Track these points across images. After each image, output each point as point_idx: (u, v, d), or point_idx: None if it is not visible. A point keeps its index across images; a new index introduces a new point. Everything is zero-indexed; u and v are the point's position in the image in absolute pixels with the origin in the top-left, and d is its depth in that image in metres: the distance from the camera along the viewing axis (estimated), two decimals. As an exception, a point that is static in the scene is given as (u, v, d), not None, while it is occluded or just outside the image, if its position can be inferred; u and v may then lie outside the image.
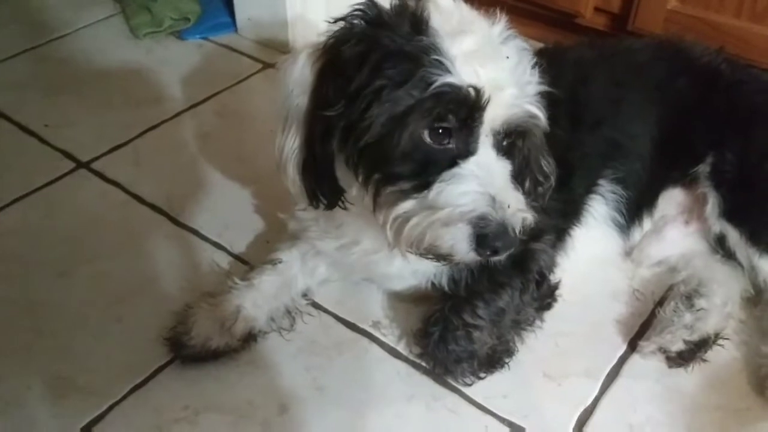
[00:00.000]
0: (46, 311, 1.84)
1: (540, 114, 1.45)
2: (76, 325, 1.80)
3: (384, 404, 1.67)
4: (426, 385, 1.71)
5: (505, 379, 1.71)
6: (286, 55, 1.60)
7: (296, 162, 1.52)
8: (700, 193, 1.86)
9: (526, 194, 1.53)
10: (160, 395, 1.66)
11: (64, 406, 1.63)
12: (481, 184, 1.37)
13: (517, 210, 1.39)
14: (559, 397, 1.69)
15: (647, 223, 1.95)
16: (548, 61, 1.72)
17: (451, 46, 1.36)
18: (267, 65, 2.81)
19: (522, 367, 1.74)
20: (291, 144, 1.52)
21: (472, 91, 1.33)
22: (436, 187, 1.37)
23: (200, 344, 1.70)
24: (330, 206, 1.56)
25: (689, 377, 1.74)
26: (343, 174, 1.51)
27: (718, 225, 1.84)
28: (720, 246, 1.89)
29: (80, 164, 2.31)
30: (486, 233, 1.35)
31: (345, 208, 1.57)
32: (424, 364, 1.74)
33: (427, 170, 1.38)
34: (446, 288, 1.72)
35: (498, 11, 1.49)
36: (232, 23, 3.01)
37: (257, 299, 1.77)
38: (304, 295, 1.87)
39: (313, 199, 1.55)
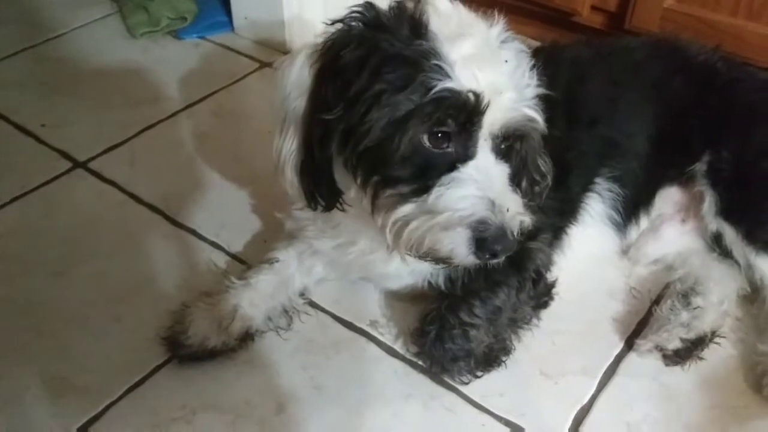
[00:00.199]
0: (43, 311, 1.84)
1: (538, 117, 1.45)
2: (73, 325, 1.80)
3: (381, 403, 1.67)
4: (423, 383, 1.71)
5: (502, 378, 1.71)
6: (284, 54, 1.60)
7: (294, 164, 1.52)
8: (696, 192, 1.86)
9: (523, 194, 1.54)
10: (157, 395, 1.66)
11: (62, 406, 1.63)
12: (480, 188, 1.37)
13: (515, 213, 1.39)
14: (556, 395, 1.69)
15: (644, 222, 1.96)
16: (545, 60, 1.72)
17: (450, 50, 1.36)
18: (264, 64, 2.81)
19: (519, 366, 1.74)
20: (289, 146, 1.51)
21: (471, 96, 1.34)
22: (436, 191, 1.37)
23: (197, 343, 1.70)
24: (328, 208, 1.56)
25: (686, 375, 1.74)
26: (341, 176, 1.51)
27: (714, 223, 1.84)
28: (716, 244, 1.89)
29: (77, 164, 2.31)
30: (485, 237, 1.36)
31: (343, 210, 1.57)
32: (421, 362, 1.74)
33: (426, 174, 1.38)
34: (443, 287, 1.72)
35: (496, 12, 1.49)
36: (229, 22, 3.02)
37: (254, 298, 1.77)
38: (302, 295, 1.87)
39: (312, 201, 1.55)
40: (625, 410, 1.67)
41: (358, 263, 1.75)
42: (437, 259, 1.44)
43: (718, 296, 1.83)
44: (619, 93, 1.90)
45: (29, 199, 2.18)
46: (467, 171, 1.38)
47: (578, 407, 1.67)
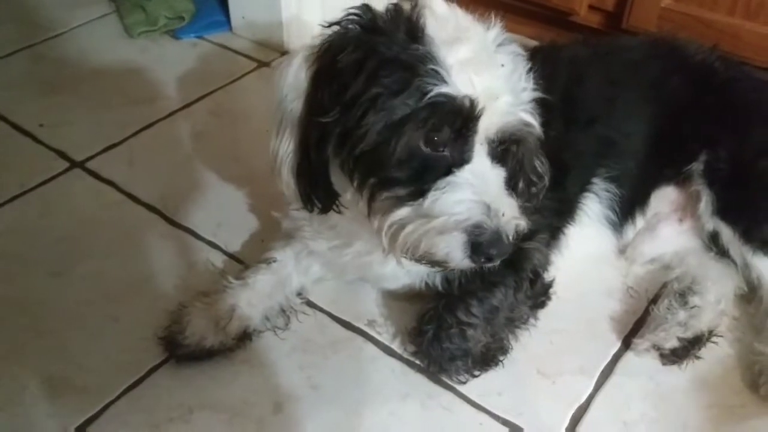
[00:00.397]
0: (41, 310, 1.84)
1: (534, 122, 1.45)
2: (71, 325, 1.80)
3: (379, 403, 1.67)
4: (421, 383, 1.71)
5: (500, 377, 1.71)
6: (282, 54, 1.60)
7: (290, 166, 1.52)
8: (693, 191, 1.87)
9: (520, 195, 1.54)
10: (155, 394, 1.66)
11: (60, 405, 1.63)
12: (476, 192, 1.37)
13: (511, 217, 1.39)
14: (553, 394, 1.70)
15: (640, 221, 1.96)
16: (543, 60, 1.73)
17: (447, 54, 1.35)
18: (262, 64, 2.81)
19: (516, 365, 1.74)
20: (285, 148, 1.51)
21: (467, 102, 1.34)
22: (432, 195, 1.37)
23: (195, 343, 1.70)
24: (324, 210, 1.56)
25: (683, 374, 1.74)
26: (337, 179, 1.51)
27: (711, 223, 1.84)
28: (713, 243, 1.90)
29: (75, 164, 2.31)
30: (481, 241, 1.36)
31: (339, 212, 1.57)
32: (418, 362, 1.75)
33: (422, 177, 1.39)
34: (440, 287, 1.73)
35: (493, 15, 1.48)
36: (227, 22, 3.01)
37: (252, 298, 1.77)
38: (299, 294, 1.87)
39: (308, 203, 1.55)
40: (623, 409, 1.67)
41: (355, 264, 1.76)
42: (433, 263, 1.45)
43: (715, 295, 1.84)
44: (616, 92, 1.90)
45: (27, 199, 2.18)
46: (463, 175, 1.38)
47: (576, 406, 1.67)
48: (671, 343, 1.75)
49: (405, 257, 1.47)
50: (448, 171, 1.38)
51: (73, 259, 1.98)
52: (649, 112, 1.90)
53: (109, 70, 2.75)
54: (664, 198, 1.94)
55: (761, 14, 2.37)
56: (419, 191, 1.39)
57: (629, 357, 1.78)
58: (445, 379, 1.71)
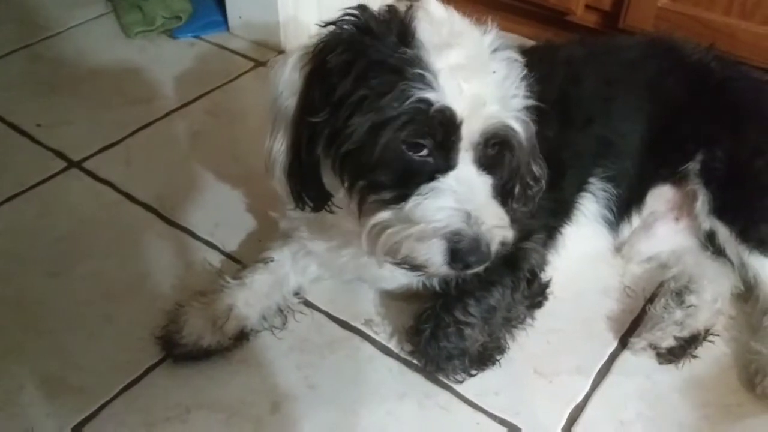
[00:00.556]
0: (38, 310, 1.84)
1: (520, 129, 1.43)
2: (68, 324, 1.80)
3: (376, 402, 1.67)
4: (418, 382, 1.72)
5: (497, 377, 1.72)
6: (279, 54, 1.60)
7: (283, 164, 1.53)
8: (689, 190, 1.87)
9: (517, 199, 1.54)
10: (152, 394, 1.66)
11: (57, 405, 1.63)
12: (459, 200, 1.37)
13: (493, 226, 1.38)
14: (550, 394, 1.70)
15: (636, 220, 1.96)
16: (539, 60, 1.73)
17: (436, 59, 1.35)
18: (259, 63, 2.80)
19: (513, 365, 1.74)
20: (278, 146, 1.52)
21: (446, 111, 1.33)
22: (413, 200, 1.37)
23: (192, 343, 1.70)
24: (316, 209, 1.56)
25: (680, 373, 1.75)
26: (329, 179, 1.51)
27: (708, 222, 1.85)
28: (710, 243, 1.90)
29: (72, 163, 2.31)
30: (459, 248, 1.36)
31: (332, 212, 1.57)
32: (415, 361, 1.75)
33: (406, 182, 1.38)
34: (437, 287, 1.73)
35: (490, 18, 1.48)
36: (224, 22, 3.01)
37: (249, 298, 1.77)
38: (296, 294, 1.87)
39: (299, 202, 1.55)
40: (619, 408, 1.67)
41: (352, 265, 1.76)
42: (413, 267, 1.45)
43: (712, 294, 1.84)
44: (613, 92, 1.90)
45: (24, 199, 2.18)
46: (447, 182, 1.37)
47: (572, 406, 1.68)
48: (668, 342, 1.75)
49: (386, 260, 1.47)
50: (431, 176, 1.37)
51: (70, 258, 1.98)
52: (646, 112, 1.90)
53: (107, 70, 2.75)
54: (661, 197, 1.94)
55: (757, 14, 2.38)
56: (403, 195, 1.38)
57: (626, 356, 1.78)
58: (442, 378, 1.71)
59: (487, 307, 1.68)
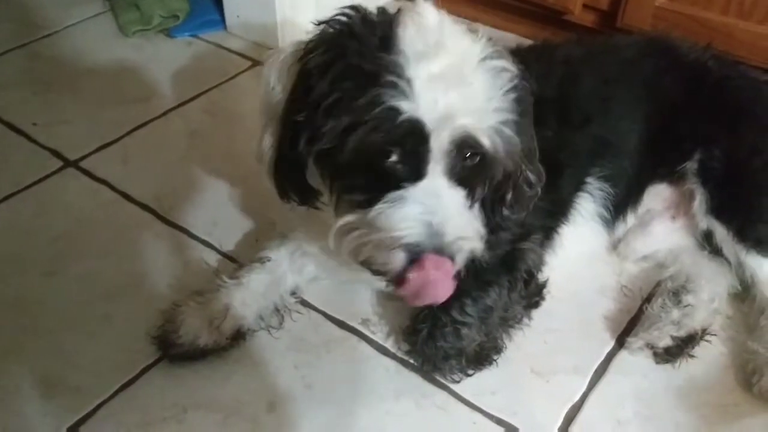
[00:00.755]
0: (35, 310, 1.84)
1: (491, 142, 1.37)
2: (65, 324, 1.80)
3: (373, 402, 1.67)
4: (415, 382, 1.71)
5: (494, 376, 1.72)
6: (272, 50, 1.60)
7: (270, 159, 1.53)
8: (687, 189, 1.87)
9: (509, 206, 1.53)
10: (148, 393, 1.66)
11: (53, 405, 1.63)
12: (423, 211, 1.34)
13: (457, 238, 1.36)
14: (547, 393, 1.70)
15: (631, 218, 1.96)
16: (537, 59, 1.72)
17: (414, 67, 1.30)
18: (256, 63, 2.80)
19: (510, 364, 1.74)
20: (267, 141, 1.52)
21: (414, 121, 1.30)
22: (377, 207, 1.35)
23: (188, 343, 1.70)
24: (302, 204, 1.57)
25: (676, 373, 1.74)
26: (313, 177, 1.51)
27: (705, 221, 1.84)
28: (707, 242, 1.90)
29: (69, 163, 2.31)
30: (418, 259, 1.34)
31: (317, 208, 1.57)
32: (412, 361, 1.75)
33: (376, 186, 1.37)
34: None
35: (481, 27, 1.46)
36: (221, 21, 3.01)
37: (246, 297, 1.77)
38: (293, 293, 1.87)
39: (284, 197, 1.56)
40: (616, 408, 1.67)
41: (349, 266, 1.75)
42: (374, 271, 1.44)
43: (709, 294, 1.84)
44: (610, 92, 1.89)
45: (21, 199, 2.17)
46: (414, 192, 1.34)
47: (569, 405, 1.67)
48: (665, 342, 1.75)
49: (349, 260, 1.47)
50: (399, 185, 1.35)
51: (67, 258, 1.97)
52: (644, 111, 1.89)
53: (104, 69, 2.75)
54: (658, 195, 1.94)
55: (755, 13, 2.38)
56: (373, 199, 1.37)
57: (623, 356, 1.78)
58: (439, 378, 1.71)
59: (484, 307, 1.68)
